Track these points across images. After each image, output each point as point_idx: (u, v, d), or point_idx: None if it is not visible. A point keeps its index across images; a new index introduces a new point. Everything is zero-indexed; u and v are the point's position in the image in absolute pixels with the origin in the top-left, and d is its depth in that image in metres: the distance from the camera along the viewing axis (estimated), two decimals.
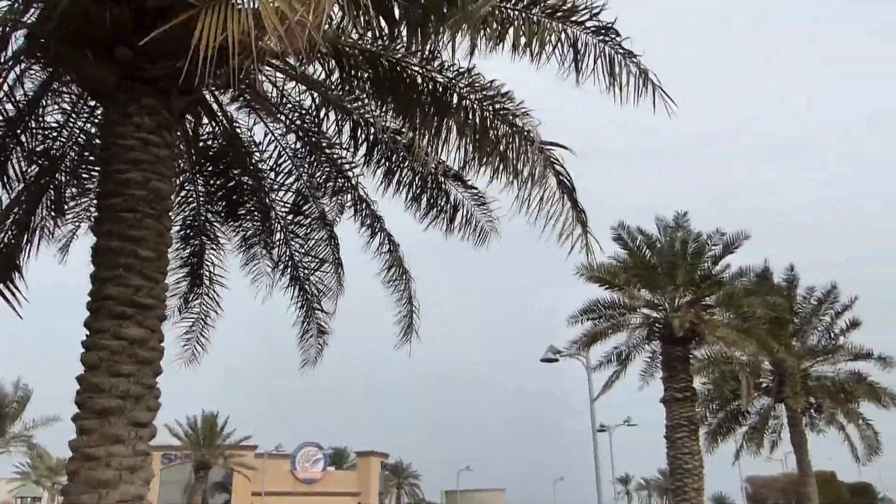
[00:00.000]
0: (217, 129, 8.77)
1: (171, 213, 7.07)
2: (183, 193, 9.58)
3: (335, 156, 9.19)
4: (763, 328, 19.22)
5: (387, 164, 8.56)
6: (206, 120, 8.61)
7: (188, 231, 9.87)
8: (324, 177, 9.43)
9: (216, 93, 8.09)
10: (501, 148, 6.67)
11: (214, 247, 10.08)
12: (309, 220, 9.71)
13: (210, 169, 9.21)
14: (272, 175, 9.29)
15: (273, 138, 9.05)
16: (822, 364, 29.55)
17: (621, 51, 6.92)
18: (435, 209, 8.75)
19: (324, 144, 9.12)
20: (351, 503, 56.60)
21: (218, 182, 9.32)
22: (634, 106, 6.59)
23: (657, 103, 6.66)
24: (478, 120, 6.75)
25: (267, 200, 9.38)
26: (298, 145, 9.22)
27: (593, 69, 6.94)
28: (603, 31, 6.98)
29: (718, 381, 27.95)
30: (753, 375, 26.68)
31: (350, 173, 9.28)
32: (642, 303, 18.15)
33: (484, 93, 6.80)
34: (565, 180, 6.89)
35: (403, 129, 8.05)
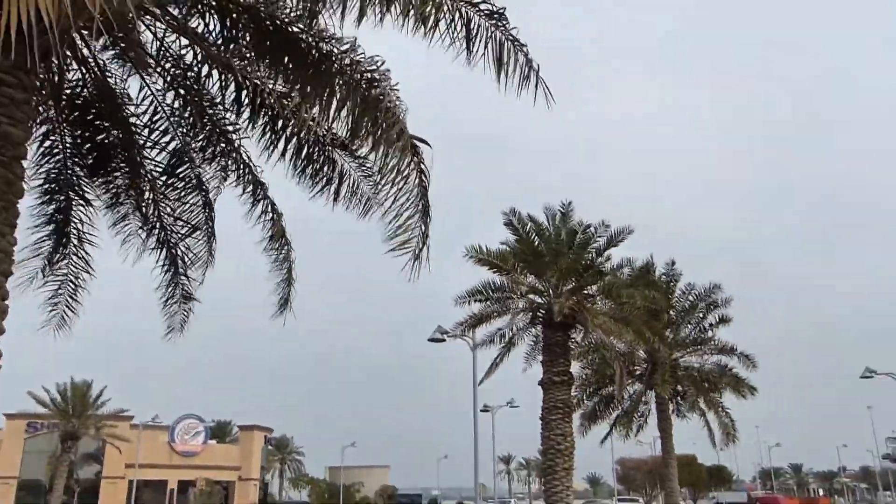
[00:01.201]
0: (87, 76, 8.17)
1: (25, 162, 6.51)
2: (47, 144, 8.89)
3: (217, 117, 8.79)
4: (640, 319, 20.21)
5: (272, 128, 8.26)
6: (75, 66, 8.01)
7: (53, 185, 9.17)
8: (203, 139, 9.01)
9: (87, 38, 7.52)
10: (377, 129, 6.57)
11: (83, 204, 9.42)
12: (184, 183, 9.26)
13: (77, 119, 8.56)
14: (146, 132, 8.78)
15: (150, 93, 8.55)
16: (692, 355, 31.58)
17: (511, 38, 6.99)
18: (321, 178, 8.54)
19: (205, 104, 8.70)
20: (231, 477, 55.45)
21: (86, 134, 8.69)
22: (517, 96, 6.69)
23: (539, 95, 6.81)
24: (360, 97, 6.62)
25: (139, 158, 8.84)
26: (177, 103, 8.75)
27: (483, 54, 6.99)
28: (496, 16, 7.02)
29: (596, 367, 29.29)
30: (629, 363, 28.12)
31: (233, 136, 8.93)
32: (527, 288, 18.64)
33: (366, 71, 6.68)
34: (424, 178, 6.92)
35: (292, 95, 7.81)
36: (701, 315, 30.59)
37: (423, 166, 7.10)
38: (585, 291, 18.93)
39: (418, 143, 6.96)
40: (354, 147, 7.46)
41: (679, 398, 32.01)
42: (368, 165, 8.25)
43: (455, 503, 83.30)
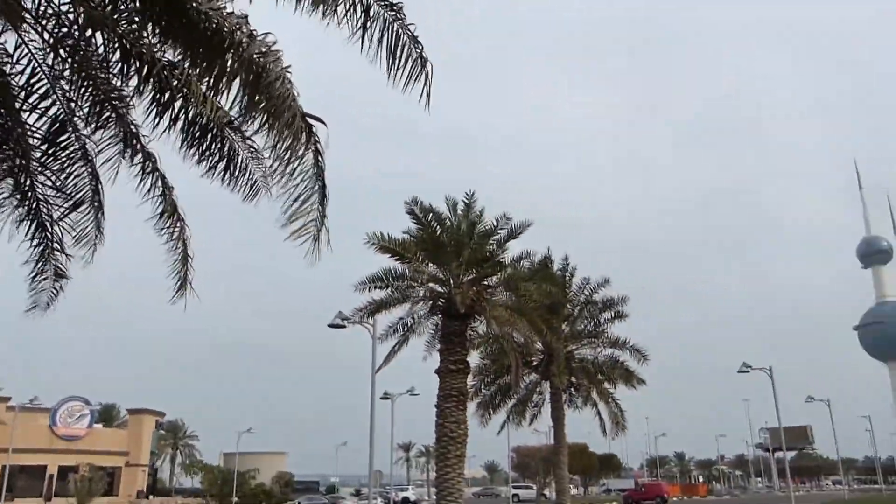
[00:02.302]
0: None
1: None
2: None
3: (104, 83, 8.32)
4: (537, 311, 20.76)
5: (160, 100, 7.89)
6: None
7: None
8: (89, 106, 8.51)
9: None
10: (271, 107, 6.39)
11: None
12: (67, 152, 8.71)
13: None
14: (23, 95, 8.18)
15: (28, 52, 7.99)
16: (586, 348, 32.78)
17: (408, 33, 6.99)
18: (211, 154, 8.25)
19: (91, 69, 8.22)
20: (118, 462, 53.06)
21: None
22: (403, 92, 6.71)
23: (432, 94, 6.85)
24: (252, 74, 6.42)
25: (11, 122, 8.24)
26: (61, 66, 8.21)
27: (378, 44, 6.95)
28: (394, 8, 7.01)
29: (494, 357, 29.90)
30: (525, 354, 28.87)
31: (119, 105, 8.48)
32: (428, 277, 18.77)
33: (259, 48, 6.49)
34: (320, 158, 6.84)
35: (184, 67, 7.49)
36: (596, 309, 31.77)
37: (318, 146, 6.98)
38: (485, 282, 19.25)
39: (313, 122, 6.83)
40: (245, 125, 7.22)
41: (573, 389, 33.17)
42: (260, 146, 8.06)
43: (353, 490, 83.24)
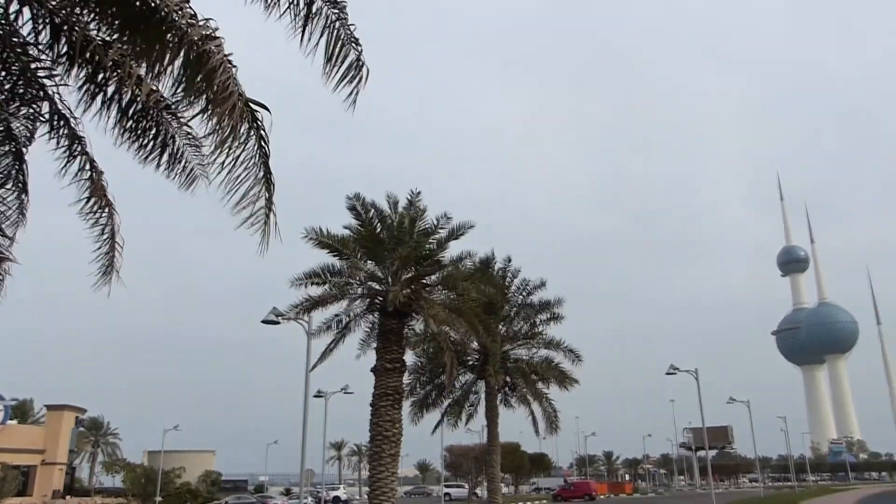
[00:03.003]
0: None
1: None
2: None
3: (29, 60, 7.87)
4: (475, 311, 20.84)
5: (92, 80, 7.53)
6: None
7: None
8: (12, 82, 8.04)
9: None
10: (212, 93, 6.15)
11: None
12: None
13: None
14: None
15: None
16: (522, 348, 33.17)
17: (348, 33, 6.90)
18: (146, 140, 7.92)
19: (17, 45, 7.76)
20: (33, 461, 50.60)
21: None
22: (334, 91, 6.63)
23: (363, 95, 6.81)
24: (191, 56, 6.17)
25: None
26: None
27: (318, 40, 6.83)
28: (338, 6, 6.90)
29: (431, 356, 29.91)
30: (462, 353, 28.99)
31: (48, 83, 8.05)
32: (367, 274, 18.58)
33: (200, 31, 6.26)
34: (264, 144, 6.66)
35: (121, 47, 7.15)
36: (532, 311, 32.19)
37: (262, 133, 6.78)
38: (424, 281, 19.18)
39: (257, 109, 6.63)
40: (184, 110, 6.96)
41: (508, 389, 33.52)
42: (201, 132, 7.79)
43: (283, 489, 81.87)
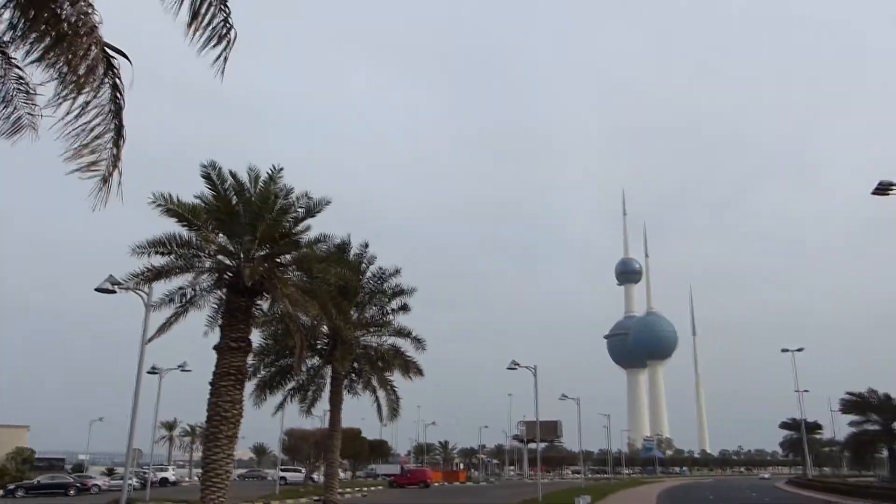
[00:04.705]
0: None
1: None
2: None
3: None
4: (329, 295, 20.54)
5: None
6: None
7: None
8: None
9: None
10: (60, 29, 5.54)
11: None
12: None
13: None
14: None
15: None
16: (372, 335, 33.22)
17: None
18: None
19: None
20: None
21: None
22: (198, 54, 6.22)
23: (223, 58, 6.41)
24: None
25: None
26: None
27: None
28: None
29: (279, 338, 29.18)
30: (311, 337, 28.53)
31: None
32: (218, 248, 17.70)
33: None
34: (119, 95, 6.15)
35: None
36: (385, 298, 32.30)
37: (118, 82, 6.21)
38: (278, 260, 18.60)
39: (114, 55, 6.06)
40: (20, 48, 6.18)
41: (355, 375, 33.43)
42: (26, 80, 6.97)
43: (105, 468, 76.59)
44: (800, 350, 69.66)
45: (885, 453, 61.69)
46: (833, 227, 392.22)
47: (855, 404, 60.43)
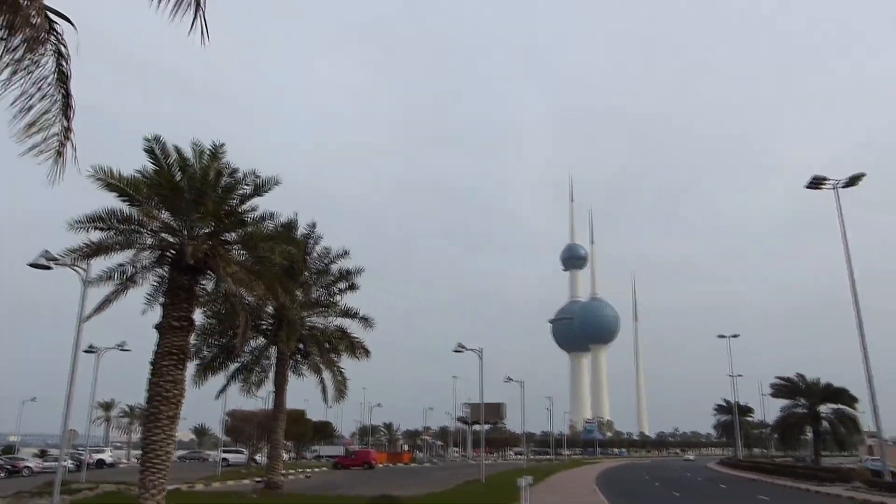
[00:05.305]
0: None
1: None
2: None
3: None
4: (274, 274, 20.26)
5: None
6: None
7: None
8: None
9: None
10: None
11: None
12: None
13: None
14: None
15: None
16: (318, 316, 33.00)
17: None
18: None
19: None
20: None
21: None
22: (170, 20, 5.99)
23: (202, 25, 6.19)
24: None
25: None
26: None
27: None
28: None
29: (223, 318, 28.71)
30: (256, 317, 28.16)
31: None
32: (161, 225, 17.22)
33: None
34: (65, 63, 5.91)
35: None
36: (332, 279, 32.09)
37: (63, 50, 5.95)
38: (223, 238, 18.22)
39: (57, 20, 5.79)
40: None
41: (300, 356, 33.18)
42: None
43: (37, 450, 74.21)
44: (735, 336, 72.43)
45: (810, 435, 64.73)
46: (767, 221, 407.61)
47: (784, 388, 63.11)
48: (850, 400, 58.15)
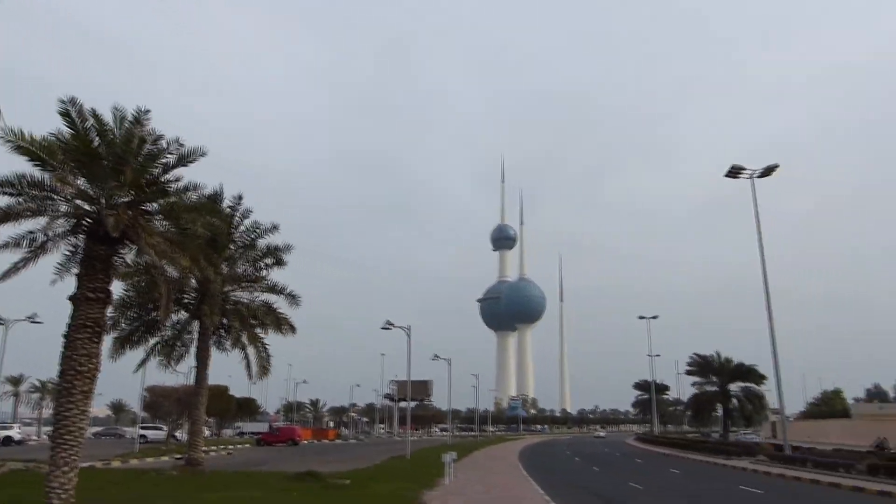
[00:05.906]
0: None
1: None
2: None
3: None
4: (198, 246, 19.65)
5: None
6: None
7: None
8: None
9: None
10: None
11: None
12: None
13: None
14: None
15: None
16: (244, 291, 32.36)
17: None
18: None
19: None
20: None
21: None
22: None
23: None
24: None
25: None
26: None
27: None
28: None
29: (142, 290, 27.75)
30: (178, 290, 27.33)
31: None
32: (76, 192, 16.36)
33: None
34: None
35: None
36: (259, 253, 31.45)
37: None
38: (144, 207, 17.50)
39: None
40: None
41: (223, 331, 32.48)
42: None
43: None
44: (654, 318, 75.28)
45: (720, 412, 68.22)
46: (684, 204, 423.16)
47: (698, 366, 66.24)
48: (758, 378, 61.56)
